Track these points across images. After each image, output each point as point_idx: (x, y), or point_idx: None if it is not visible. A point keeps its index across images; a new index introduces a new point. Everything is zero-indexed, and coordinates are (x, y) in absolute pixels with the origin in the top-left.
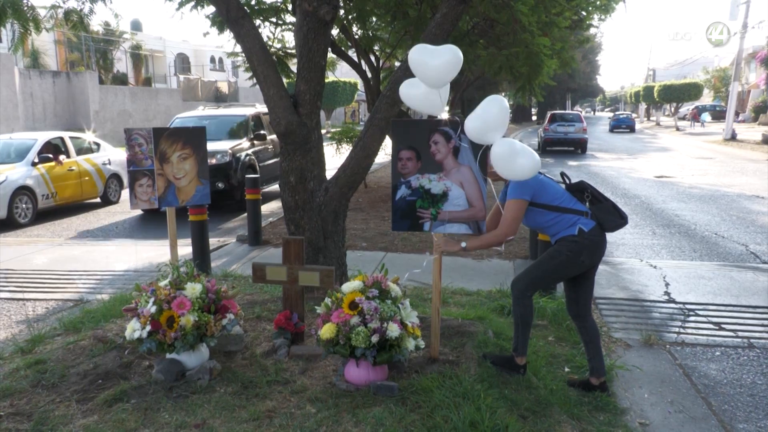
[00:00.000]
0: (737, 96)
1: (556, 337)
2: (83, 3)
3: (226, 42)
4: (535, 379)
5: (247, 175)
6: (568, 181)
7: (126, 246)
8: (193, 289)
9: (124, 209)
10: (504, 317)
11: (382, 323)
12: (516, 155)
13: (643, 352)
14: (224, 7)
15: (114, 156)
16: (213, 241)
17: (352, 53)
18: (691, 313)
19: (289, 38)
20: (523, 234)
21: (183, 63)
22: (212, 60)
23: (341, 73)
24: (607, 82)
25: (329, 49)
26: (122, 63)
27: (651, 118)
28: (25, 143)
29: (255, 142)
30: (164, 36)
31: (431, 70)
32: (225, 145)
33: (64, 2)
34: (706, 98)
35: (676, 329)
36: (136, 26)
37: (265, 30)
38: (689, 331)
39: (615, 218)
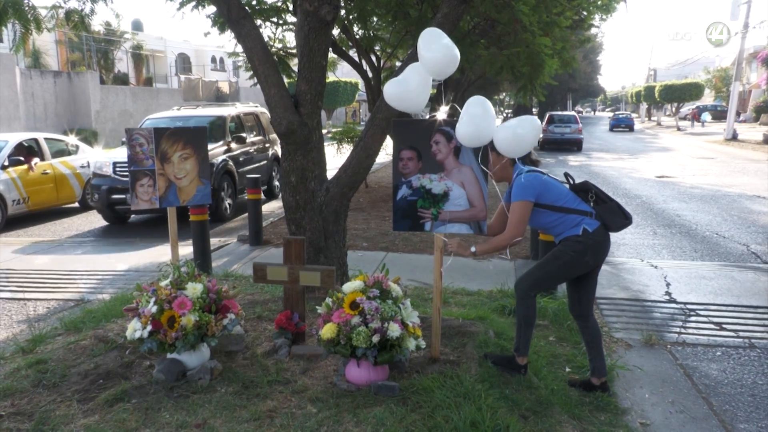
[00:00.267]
0: (738, 96)
1: (557, 337)
2: (84, 3)
3: (227, 42)
4: (536, 379)
5: (249, 175)
6: (572, 182)
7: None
8: (194, 289)
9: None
10: (505, 317)
11: (383, 323)
12: (518, 135)
13: (644, 352)
14: (225, 7)
15: (94, 158)
16: (214, 241)
17: (353, 53)
18: (692, 313)
19: (290, 38)
20: (524, 234)
21: (184, 63)
22: (213, 60)
23: (342, 73)
24: (608, 82)
25: (330, 49)
26: (123, 63)
27: (652, 118)
28: None
29: (233, 145)
30: (165, 36)
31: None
32: None
33: (65, 2)
34: (708, 98)
35: (677, 329)
36: (137, 26)
37: (266, 30)
38: (690, 331)
39: (620, 218)
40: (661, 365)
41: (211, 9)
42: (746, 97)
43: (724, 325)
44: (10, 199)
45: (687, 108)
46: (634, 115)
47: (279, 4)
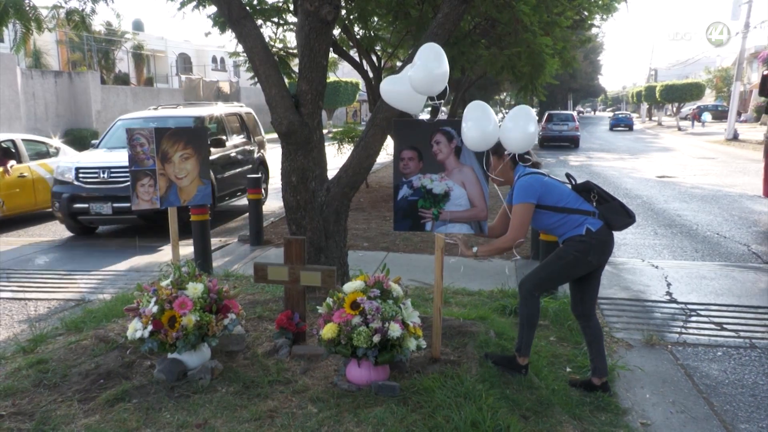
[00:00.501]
0: (739, 96)
1: (557, 337)
2: (85, 3)
3: (228, 42)
4: (537, 380)
5: (249, 175)
6: (573, 182)
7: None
8: (194, 288)
9: None
10: (505, 317)
11: (383, 323)
12: (528, 132)
13: (644, 353)
14: (226, 8)
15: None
16: (215, 241)
17: (353, 53)
18: (693, 313)
19: (291, 38)
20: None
21: (185, 63)
22: (214, 60)
23: (343, 73)
24: (608, 82)
25: (331, 49)
26: (124, 63)
27: (653, 118)
28: None
29: (210, 149)
30: (166, 36)
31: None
32: None
33: (66, 2)
34: (708, 98)
35: (678, 329)
36: (138, 26)
37: (267, 30)
38: (691, 331)
39: (623, 217)
40: (662, 365)
41: (212, 9)
42: (747, 97)
43: (724, 326)
44: None
45: (688, 108)
46: (634, 115)
47: (280, 4)
